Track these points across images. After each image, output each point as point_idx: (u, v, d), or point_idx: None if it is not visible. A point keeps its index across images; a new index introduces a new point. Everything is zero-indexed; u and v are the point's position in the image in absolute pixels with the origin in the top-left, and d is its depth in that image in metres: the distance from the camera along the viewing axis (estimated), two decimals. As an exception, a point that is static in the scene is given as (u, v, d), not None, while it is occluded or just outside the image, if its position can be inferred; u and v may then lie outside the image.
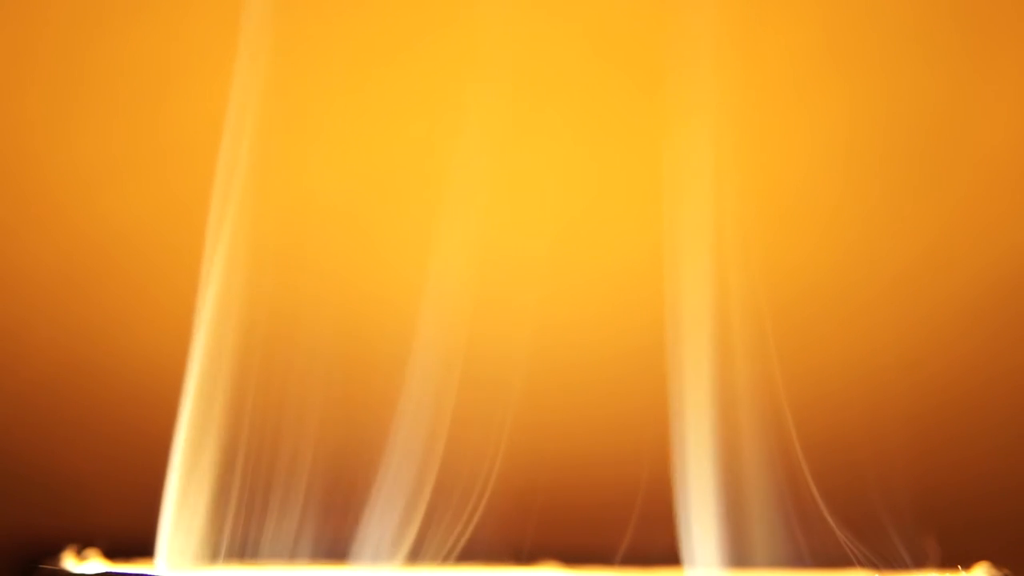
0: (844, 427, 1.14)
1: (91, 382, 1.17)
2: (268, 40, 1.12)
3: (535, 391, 1.13)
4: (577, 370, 1.18)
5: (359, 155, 1.15)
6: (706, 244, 1.13)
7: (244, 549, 1.06)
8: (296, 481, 1.09)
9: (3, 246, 1.15)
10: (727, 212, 1.13)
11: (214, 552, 1.04)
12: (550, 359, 1.16)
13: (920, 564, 1.09)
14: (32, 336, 1.17)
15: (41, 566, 1.03)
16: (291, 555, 1.07)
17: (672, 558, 1.06)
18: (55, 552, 1.04)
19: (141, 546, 1.05)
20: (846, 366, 1.16)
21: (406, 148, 1.16)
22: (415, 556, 1.08)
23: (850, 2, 1.15)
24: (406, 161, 1.16)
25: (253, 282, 1.10)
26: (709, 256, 1.12)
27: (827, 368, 1.15)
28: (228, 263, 1.10)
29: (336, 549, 1.07)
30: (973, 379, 1.19)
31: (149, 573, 1.03)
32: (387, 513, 1.09)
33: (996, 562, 1.07)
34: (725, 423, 1.11)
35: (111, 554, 1.05)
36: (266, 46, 1.12)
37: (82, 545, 1.05)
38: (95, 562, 1.04)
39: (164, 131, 1.14)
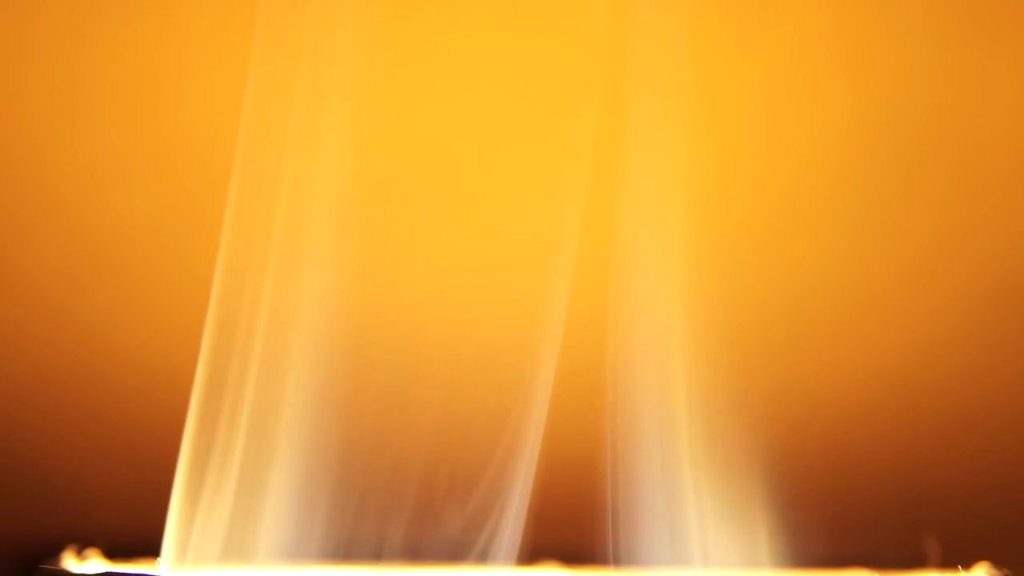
0: (843, 428, 1.14)
1: (92, 382, 1.17)
2: (276, 34, 1.12)
3: (542, 391, 1.13)
4: (581, 369, 1.18)
5: (363, 151, 1.15)
6: (702, 242, 1.13)
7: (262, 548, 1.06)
8: (297, 480, 1.09)
9: (7, 244, 1.15)
10: (719, 213, 1.13)
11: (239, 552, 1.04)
12: (558, 360, 1.16)
13: (920, 564, 1.09)
14: (33, 336, 1.17)
15: (41, 566, 1.03)
16: (293, 556, 1.07)
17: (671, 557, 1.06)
18: (55, 552, 1.04)
19: (141, 546, 1.05)
20: (844, 367, 1.16)
21: (412, 146, 1.16)
22: (417, 555, 1.08)
23: (853, 1, 1.15)
24: (413, 160, 1.16)
25: (255, 283, 1.10)
26: (704, 256, 1.12)
27: (824, 370, 1.15)
28: (241, 264, 1.10)
29: (337, 549, 1.07)
30: (974, 380, 1.19)
31: (149, 573, 1.03)
32: (388, 512, 1.09)
33: (996, 562, 1.07)
34: (723, 425, 1.11)
35: (111, 554, 1.05)
36: (274, 40, 1.12)
37: (82, 545, 1.05)
38: (95, 562, 1.04)
39: (170, 127, 1.14)
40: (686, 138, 1.13)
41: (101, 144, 1.14)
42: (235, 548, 1.05)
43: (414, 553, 1.08)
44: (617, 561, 1.08)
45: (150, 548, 1.05)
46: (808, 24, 1.14)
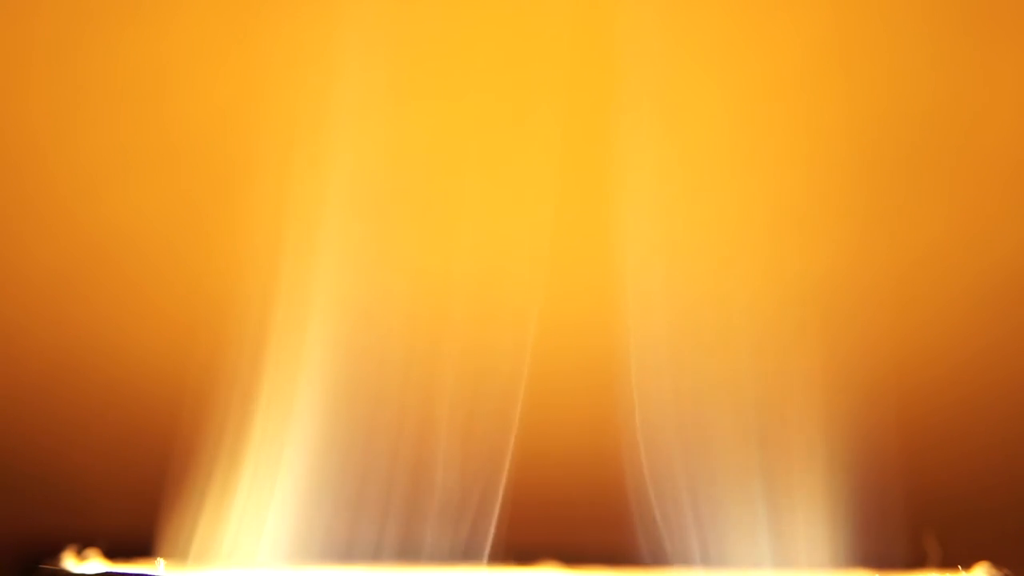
0: (843, 428, 1.14)
1: (91, 383, 1.17)
2: (278, 36, 1.12)
3: (539, 391, 1.13)
4: (581, 370, 1.18)
5: (364, 150, 1.15)
6: (699, 246, 1.13)
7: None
8: (299, 479, 1.09)
9: (7, 245, 1.15)
10: (722, 215, 1.13)
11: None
12: (554, 359, 1.16)
13: (920, 564, 1.09)
14: (33, 337, 1.17)
15: (41, 566, 1.03)
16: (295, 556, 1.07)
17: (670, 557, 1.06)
18: (55, 552, 1.04)
19: (141, 546, 1.05)
20: (843, 367, 1.16)
21: (413, 145, 1.16)
22: (417, 555, 1.08)
23: (852, 2, 1.15)
24: (415, 158, 1.16)
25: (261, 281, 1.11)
26: (704, 258, 1.12)
27: (823, 370, 1.15)
28: (242, 263, 1.11)
29: (332, 548, 1.07)
30: (976, 381, 1.19)
31: (149, 573, 1.03)
32: (388, 512, 1.09)
33: (996, 562, 1.07)
34: (726, 425, 1.11)
35: (111, 554, 1.05)
36: (276, 42, 1.12)
37: (82, 545, 1.05)
38: (95, 562, 1.04)
39: (171, 127, 1.14)
40: (686, 140, 1.13)
41: (102, 145, 1.14)
42: (237, 548, 1.05)
43: (412, 552, 1.08)
44: (620, 560, 1.08)
45: (150, 548, 1.05)
46: (813, 30, 1.14)
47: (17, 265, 1.16)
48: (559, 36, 1.14)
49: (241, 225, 1.14)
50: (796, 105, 1.15)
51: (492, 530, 1.08)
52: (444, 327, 1.13)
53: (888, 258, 1.17)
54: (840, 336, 1.16)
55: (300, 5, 1.11)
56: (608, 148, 1.15)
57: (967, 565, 1.07)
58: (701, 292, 1.13)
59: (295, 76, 1.12)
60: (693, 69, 1.13)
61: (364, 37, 1.12)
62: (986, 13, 1.14)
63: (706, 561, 1.06)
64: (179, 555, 1.05)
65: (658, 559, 1.07)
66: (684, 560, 1.06)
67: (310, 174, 1.12)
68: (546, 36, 1.14)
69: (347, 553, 1.07)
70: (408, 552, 1.08)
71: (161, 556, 1.05)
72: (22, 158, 1.14)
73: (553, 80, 1.14)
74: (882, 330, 1.17)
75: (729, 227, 1.15)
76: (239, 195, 1.14)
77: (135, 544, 1.05)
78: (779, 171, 1.16)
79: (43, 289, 1.16)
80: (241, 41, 1.12)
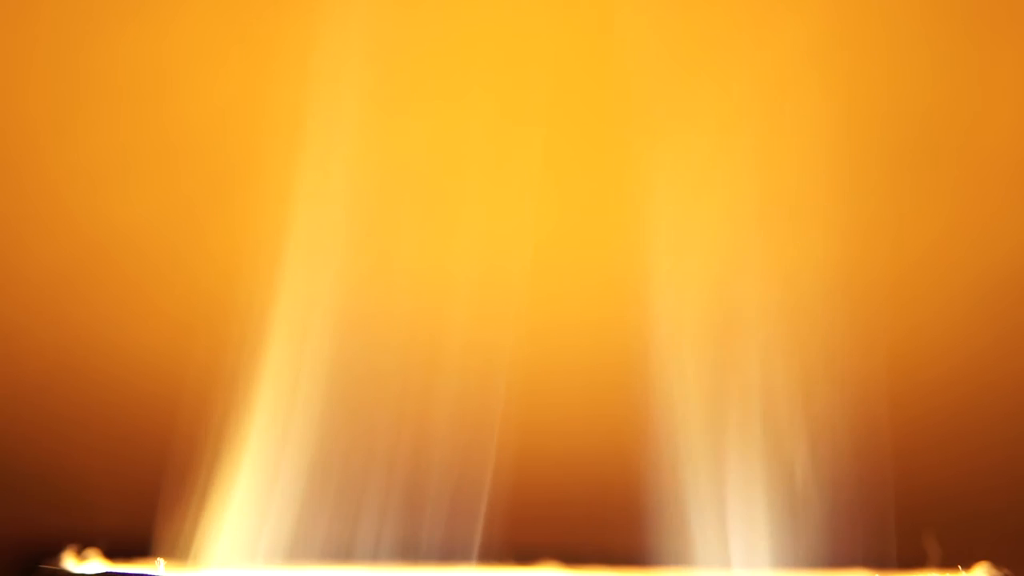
0: (843, 428, 1.14)
1: (91, 384, 1.17)
2: (275, 36, 1.12)
3: (537, 391, 1.13)
4: (579, 370, 1.18)
5: (365, 150, 1.15)
6: (698, 246, 1.13)
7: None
8: (300, 479, 1.09)
9: (6, 246, 1.15)
10: (721, 216, 1.13)
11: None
12: (553, 359, 1.16)
13: (920, 564, 1.09)
14: (33, 337, 1.17)
15: (41, 566, 1.03)
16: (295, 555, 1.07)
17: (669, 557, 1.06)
18: (55, 552, 1.04)
19: (141, 546, 1.05)
20: (843, 366, 1.16)
21: (416, 147, 1.16)
22: (415, 555, 1.08)
23: (852, 2, 1.15)
24: (418, 162, 1.16)
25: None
26: (703, 258, 1.12)
27: (822, 370, 1.15)
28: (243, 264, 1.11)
29: (332, 548, 1.07)
30: (975, 381, 1.19)
31: (149, 573, 1.04)
32: (387, 512, 1.09)
33: (996, 562, 1.07)
34: (727, 424, 1.11)
35: (111, 554, 1.05)
36: (272, 42, 1.12)
37: (82, 545, 1.05)
38: (95, 562, 1.04)
39: (170, 128, 1.14)
40: (684, 141, 1.13)
41: (102, 145, 1.14)
42: (237, 548, 1.05)
43: (411, 551, 1.08)
44: (620, 560, 1.08)
45: (150, 548, 1.05)
46: (812, 29, 1.14)
47: (17, 265, 1.16)
48: (557, 39, 1.14)
49: (241, 225, 1.14)
50: (794, 105, 1.15)
51: (492, 530, 1.08)
52: (443, 327, 1.13)
53: (888, 257, 1.17)
54: (840, 336, 1.16)
55: (300, 6, 1.11)
56: (606, 149, 1.15)
57: (967, 565, 1.07)
58: (702, 291, 1.13)
59: (295, 77, 1.12)
60: (691, 70, 1.13)
61: (364, 39, 1.12)
62: (985, 13, 1.14)
63: (705, 561, 1.06)
64: (179, 555, 1.05)
65: (658, 559, 1.07)
66: (683, 560, 1.06)
67: (309, 174, 1.12)
68: (544, 39, 1.14)
69: (346, 553, 1.07)
70: (407, 552, 1.08)
71: (161, 556, 1.05)
72: (22, 158, 1.14)
73: (551, 82, 1.14)
74: (882, 329, 1.17)
75: (728, 227, 1.15)
76: (239, 195, 1.14)
77: (135, 544, 1.05)
78: (777, 171, 1.16)
79: (43, 289, 1.16)
80: (241, 41, 1.12)
